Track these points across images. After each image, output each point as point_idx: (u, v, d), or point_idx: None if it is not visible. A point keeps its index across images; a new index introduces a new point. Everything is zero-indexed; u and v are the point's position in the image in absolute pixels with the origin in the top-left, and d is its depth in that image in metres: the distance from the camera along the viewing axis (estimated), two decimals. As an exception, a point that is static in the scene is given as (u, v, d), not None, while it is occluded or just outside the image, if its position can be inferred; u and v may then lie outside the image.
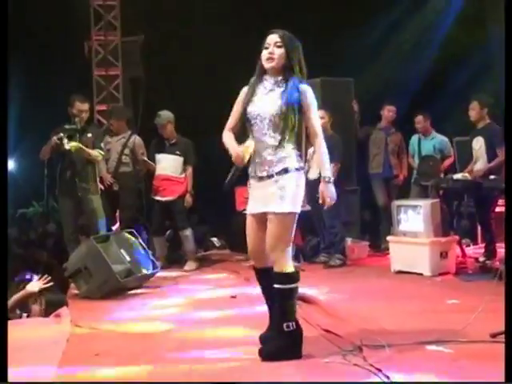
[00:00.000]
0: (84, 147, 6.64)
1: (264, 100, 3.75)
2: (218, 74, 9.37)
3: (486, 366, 3.42)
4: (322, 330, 4.32)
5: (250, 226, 3.85)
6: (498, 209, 7.24)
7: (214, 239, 8.90)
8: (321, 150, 3.78)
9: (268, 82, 3.79)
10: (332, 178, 3.77)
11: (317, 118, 3.82)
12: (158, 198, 7.66)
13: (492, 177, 6.58)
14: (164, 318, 5.02)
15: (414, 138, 8.41)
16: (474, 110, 7.10)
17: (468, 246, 7.87)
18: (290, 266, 3.72)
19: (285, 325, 3.68)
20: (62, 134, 6.52)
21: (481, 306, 4.32)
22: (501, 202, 7.14)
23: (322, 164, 3.80)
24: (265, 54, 3.75)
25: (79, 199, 6.76)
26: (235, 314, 5.10)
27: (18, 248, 8.12)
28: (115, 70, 9.71)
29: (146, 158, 7.69)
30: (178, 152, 7.61)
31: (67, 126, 6.67)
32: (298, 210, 3.73)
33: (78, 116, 6.72)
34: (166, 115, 7.59)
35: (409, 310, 4.93)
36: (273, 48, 3.73)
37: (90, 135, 6.79)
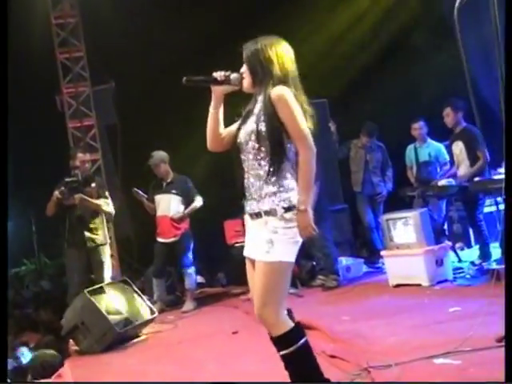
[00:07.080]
0: (88, 198, 6.57)
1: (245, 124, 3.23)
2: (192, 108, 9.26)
3: (495, 372, 3.38)
4: (328, 357, 4.27)
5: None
6: (486, 209, 7.23)
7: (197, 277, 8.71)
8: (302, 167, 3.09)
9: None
10: (303, 207, 3.02)
11: (293, 120, 3.06)
12: (160, 239, 7.60)
13: (476, 179, 6.57)
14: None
15: (410, 148, 8.17)
16: (449, 117, 7.08)
17: (462, 249, 7.84)
18: (286, 323, 3.15)
19: None
20: (63, 188, 6.45)
21: (482, 312, 4.30)
22: (488, 201, 7.15)
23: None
24: None
25: (87, 251, 6.64)
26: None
27: (15, 309, 8.01)
28: (90, 120, 9.68)
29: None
30: (174, 191, 7.55)
31: (68, 179, 6.55)
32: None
33: (80, 167, 6.68)
34: (158, 155, 7.56)
35: (411, 324, 4.87)
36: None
37: (93, 185, 6.72)
